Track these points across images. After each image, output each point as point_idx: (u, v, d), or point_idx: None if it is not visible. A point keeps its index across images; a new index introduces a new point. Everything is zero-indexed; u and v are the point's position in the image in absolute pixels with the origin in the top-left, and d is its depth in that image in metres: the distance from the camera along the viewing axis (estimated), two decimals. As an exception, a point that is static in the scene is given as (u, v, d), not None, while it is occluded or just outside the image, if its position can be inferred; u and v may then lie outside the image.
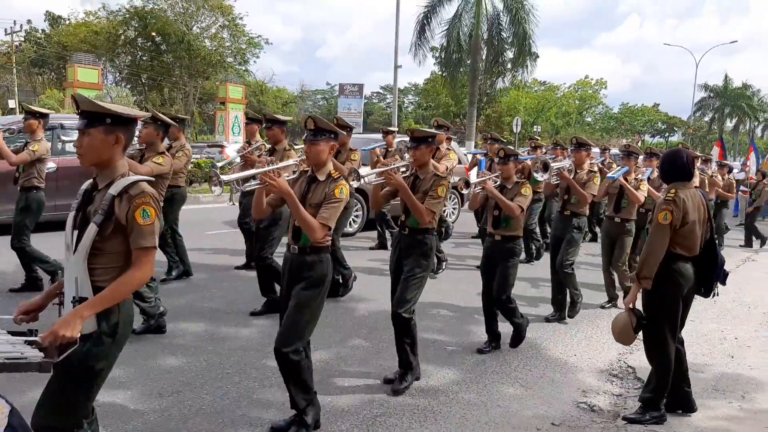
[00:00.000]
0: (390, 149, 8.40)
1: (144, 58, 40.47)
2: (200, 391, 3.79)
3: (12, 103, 28.89)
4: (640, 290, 3.71)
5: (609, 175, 6.26)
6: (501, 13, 26.90)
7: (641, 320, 3.69)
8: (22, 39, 38.55)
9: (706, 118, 63.41)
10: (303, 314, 3.17)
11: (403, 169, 4.11)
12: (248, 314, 5.41)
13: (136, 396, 3.66)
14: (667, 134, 61.29)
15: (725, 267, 3.84)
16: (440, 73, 31.99)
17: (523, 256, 7.57)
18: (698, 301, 4.12)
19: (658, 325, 3.66)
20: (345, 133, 5.92)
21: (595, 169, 6.06)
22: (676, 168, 3.69)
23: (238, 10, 39.35)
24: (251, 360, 4.34)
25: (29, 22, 39.94)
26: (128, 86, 38.04)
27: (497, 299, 4.78)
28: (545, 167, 5.74)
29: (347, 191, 3.26)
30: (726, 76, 60.37)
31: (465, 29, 27.08)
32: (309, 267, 3.21)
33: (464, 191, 4.75)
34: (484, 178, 4.87)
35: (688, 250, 3.62)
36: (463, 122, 37.25)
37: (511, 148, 5.15)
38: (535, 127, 45.66)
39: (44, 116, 5.87)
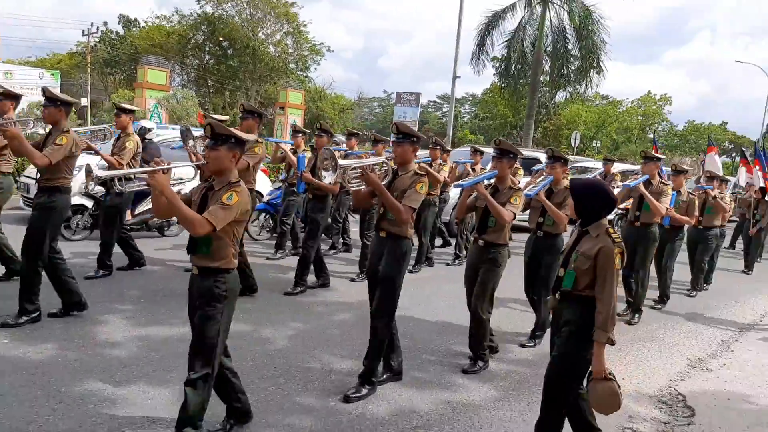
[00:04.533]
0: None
1: (211, 62, 41.92)
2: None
3: (84, 101, 30.21)
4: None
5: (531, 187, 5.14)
6: (567, 26, 26.38)
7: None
8: (97, 40, 40.58)
9: (778, 139, 60.20)
10: None
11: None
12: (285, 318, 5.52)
13: (177, 394, 3.56)
14: (734, 154, 58.67)
15: None
16: (499, 83, 31.59)
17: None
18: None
19: None
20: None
21: (519, 185, 4.76)
22: None
23: (302, 18, 40.30)
24: (295, 362, 4.43)
25: (105, 24, 42.08)
26: (194, 89, 39.38)
27: (377, 318, 3.94)
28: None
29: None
30: (801, 97, 57.35)
31: (527, 41, 26.74)
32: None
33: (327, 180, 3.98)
34: (367, 161, 3.86)
35: None
36: (520, 134, 36.81)
37: (408, 125, 4.13)
38: (594, 141, 44.53)
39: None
